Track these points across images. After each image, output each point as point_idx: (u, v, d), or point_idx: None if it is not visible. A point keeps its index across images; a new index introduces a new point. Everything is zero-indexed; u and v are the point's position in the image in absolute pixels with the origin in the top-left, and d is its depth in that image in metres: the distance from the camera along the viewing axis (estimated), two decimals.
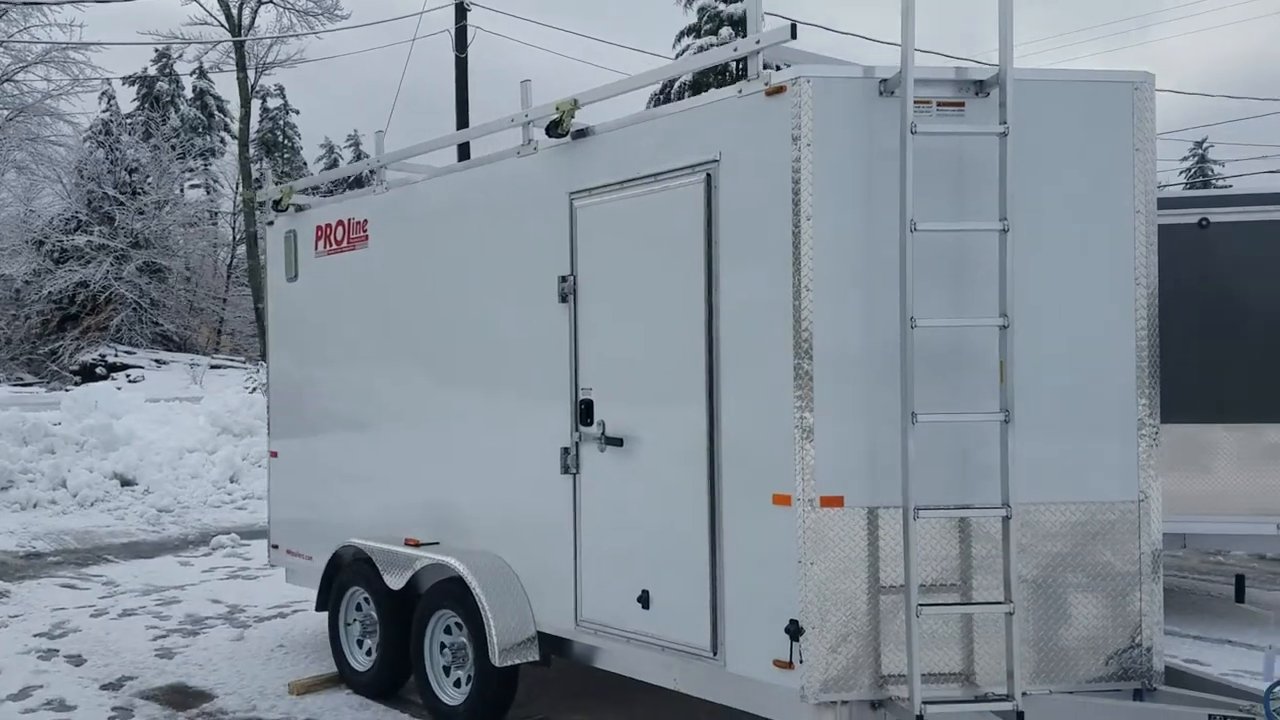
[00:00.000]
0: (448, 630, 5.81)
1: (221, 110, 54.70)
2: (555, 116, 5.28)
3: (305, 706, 6.13)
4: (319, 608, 6.68)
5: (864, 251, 4.32)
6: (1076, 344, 4.43)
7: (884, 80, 4.33)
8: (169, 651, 7.36)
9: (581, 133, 5.30)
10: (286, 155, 59.34)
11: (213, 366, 37.32)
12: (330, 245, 7.08)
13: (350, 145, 63.73)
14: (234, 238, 48.00)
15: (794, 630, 4.31)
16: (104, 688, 6.56)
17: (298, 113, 60.35)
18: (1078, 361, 4.44)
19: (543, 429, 5.45)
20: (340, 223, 7.00)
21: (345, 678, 6.46)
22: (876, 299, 4.32)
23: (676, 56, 34.66)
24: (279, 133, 59.61)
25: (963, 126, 4.34)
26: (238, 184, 42.20)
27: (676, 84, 31.65)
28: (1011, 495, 4.20)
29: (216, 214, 49.90)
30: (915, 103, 4.29)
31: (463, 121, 20.37)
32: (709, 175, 4.64)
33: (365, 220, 6.78)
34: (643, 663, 5.06)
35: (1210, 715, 4.14)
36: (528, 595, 5.56)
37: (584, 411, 5.23)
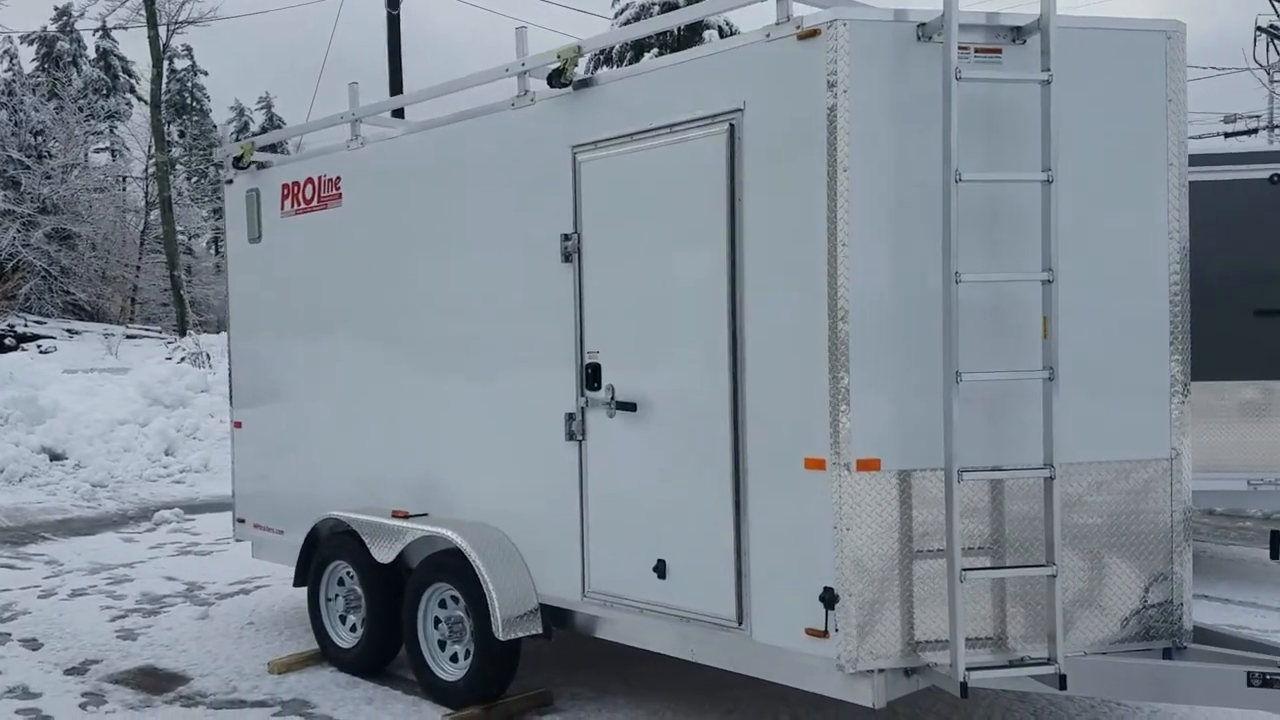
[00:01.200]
0: (442, 604, 5.57)
1: (127, 71, 52.68)
2: (557, 65, 5.02)
3: (290, 686, 5.86)
4: (297, 583, 6.38)
5: (899, 205, 4.16)
6: (1110, 300, 4.33)
7: (921, 25, 4.15)
8: (131, 632, 7.01)
9: (585, 83, 5.05)
10: (196, 118, 57.55)
11: (128, 337, 36.12)
12: (298, 204, 6.73)
13: (261, 107, 62.03)
14: (146, 203, 46.33)
15: (829, 598, 4.16)
16: (68, 673, 6.20)
17: (206, 74, 58.56)
18: (1111, 318, 4.33)
19: (544, 395, 5.22)
20: (310, 180, 6.64)
21: (328, 655, 6.19)
22: (912, 255, 4.17)
23: (615, 16, 34.00)
24: (187, 95, 57.75)
25: (1002, 73, 4.19)
26: (150, 147, 40.65)
27: (617, 48, 30.88)
28: (1055, 455, 4.10)
29: (126, 179, 48.20)
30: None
31: (396, 83, 19.78)
32: (732, 125, 4.42)
33: (338, 178, 6.44)
34: (657, 633, 4.89)
35: (1249, 672, 4.10)
36: (528, 567, 5.34)
37: (590, 375, 5.01)
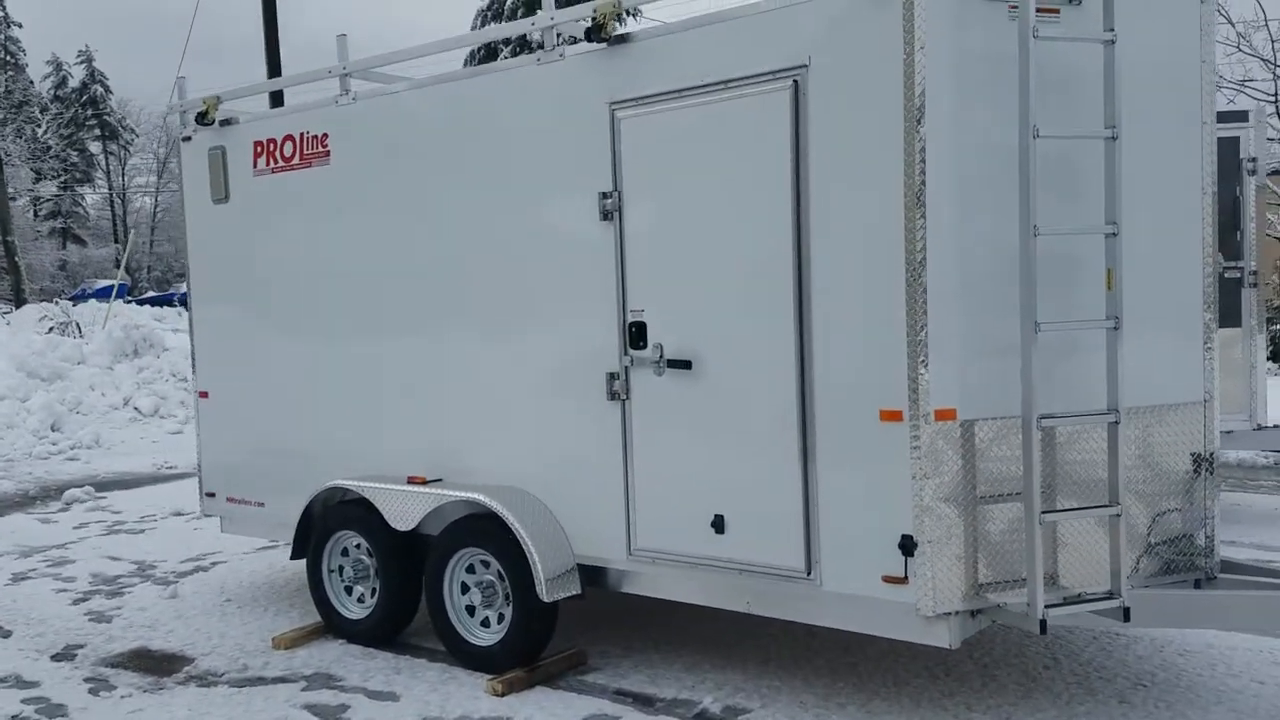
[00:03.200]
0: (469, 570, 5.49)
1: None
2: (596, 20, 4.94)
3: (304, 660, 5.69)
4: (295, 556, 6.18)
5: (968, 161, 4.26)
6: (1157, 252, 4.53)
7: None
8: (102, 615, 6.68)
9: (622, 39, 4.98)
10: (11, 74, 54.11)
11: None
12: (275, 162, 6.44)
13: (82, 62, 58.74)
14: None
15: (908, 545, 4.28)
16: (55, 659, 5.88)
17: (20, 26, 55.11)
18: (1156, 269, 4.54)
19: (581, 355, 5.17)
20: (289, 137, 6.37)
21: (334, 628, 6.03)
22: (981, 210, 4.28)
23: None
24: (1, 50, 54.25)
25: (1067, 32, 4.31)
26: None
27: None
28: (1121, 400, 4.29)
29: None
30: (1010, 7, 4.25)
31: (272, 46, 19.04)
32: (796, 82, 4.45)
33: (324, 134, 6.19)
34: (709, 588, 4.94)
35: None
36: (563, 528, 5.31)
37: (635, 334, 4.99)
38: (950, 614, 4.33)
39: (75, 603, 6.99)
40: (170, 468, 12.68)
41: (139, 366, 16.95)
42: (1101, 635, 5.61)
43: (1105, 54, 4.26)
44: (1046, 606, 4.23)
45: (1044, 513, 4.21)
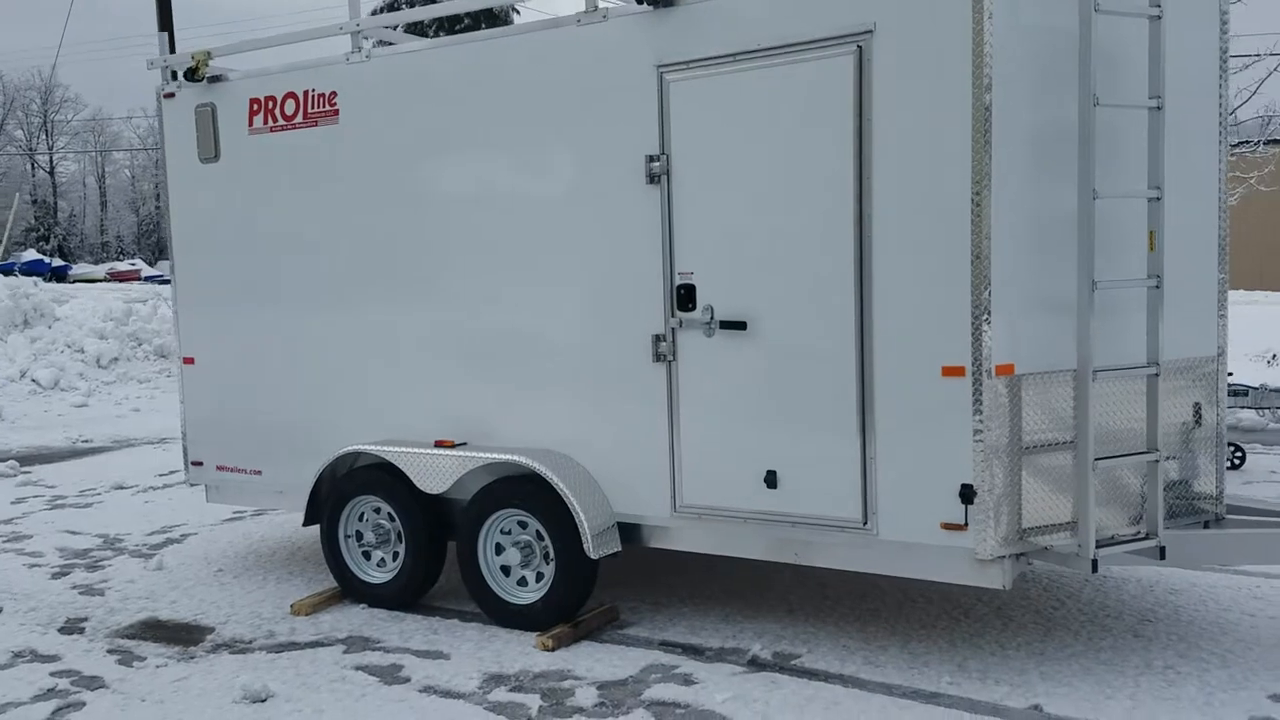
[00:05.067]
0: (504, 531, 5.53)
1: None
2: None
3: (332, 624, 5.65)
4: (307, 522, 6.10)
5: (1030, 128, 4.49)
6: (1185, 218, 4.83)
7: None
8: (91, 589, 6.47)
9: (669, 1, 5.05)
10: None
11: None
12: (274, 121, 6.29)
13: None
14: None
15: (968, 494, 4.52)
16: (63, 632, 5.69)
17: None
18: (1184, 234, 4.85)
19: (624, 318, 5.25)
20: (291, 95, 6.22)
21: (354, 592, 5.98)
22: (1040, 174, 4.52)
23: None
24: None
25: (1115, 7, 4.55)
26: None
27: None
28: (1161, 353, 4.61)
29: None
30: None
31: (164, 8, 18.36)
32: (860, 47, 4.60)
33: (333, 93, 6.07)
34: (754, 541, 5.09)
35: None
36: (600, 487, 5.40)
37: (683, 296, 5.09)
38: (1006, 558, 4.60)
39: (55, 577, 6.74)
40: (86, 441, 12.22)
41: (32, 337, 16.19)
42: (1093, 578, 5.98)
43: (1151, 28, 4.53)
44: (1101, 545, 4.54)
45: (1097, 459, 4.50)
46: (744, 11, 4.88)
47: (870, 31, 4.57)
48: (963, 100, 4.39)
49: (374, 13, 32.72)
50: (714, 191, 5.01)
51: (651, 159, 5.10)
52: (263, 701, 4.68)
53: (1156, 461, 4.63)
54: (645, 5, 5.05)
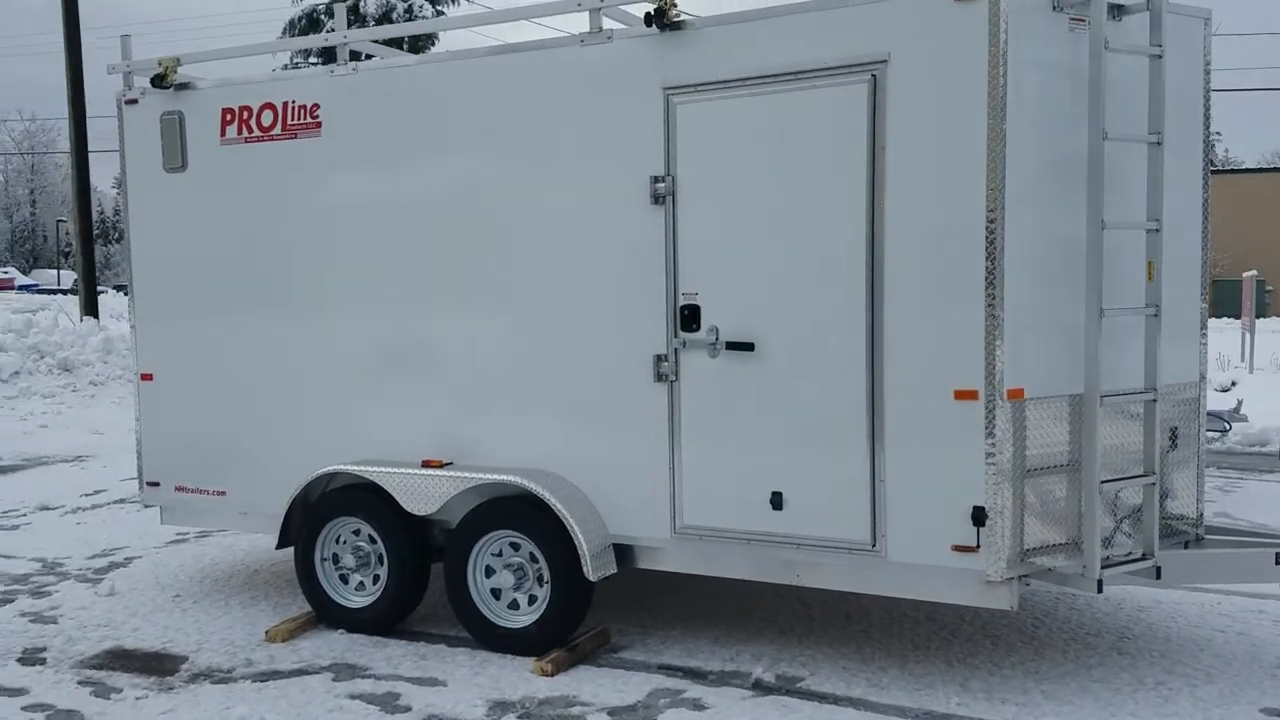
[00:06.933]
0: (495, 553, 5.43)
1: None
2: (660, 6, 4.98)
3: (313, 651, 5.46)
4: (281, 545, 5.89)
5: (1041, 159, 4.61)
6: (1171, 248, 4.99)
7: None
8: (41, 616, 6.15)
9: (678, 25, 5.05)
10: None
11: None
12: (250, 131, 6.10)
13: None
14: None
15: (979, 516, 4.59)
16: (24, 663, 5.40)
17: None
18: (1170, 266, 5.01)
19: (624, 338, 5.22)
20: (268, 106, 6.05)
21: (330, 617, 5.79)
22: (1046, 204, 4.64)
23: None
24: None
25: (1120, 46, 4.70)
26: None
27: None
28: (1159, 379, 4.76)
29: None
30: (1071, 20, 4.61)
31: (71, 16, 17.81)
32: (874, 76, 4.66)
33: (314, 104, 5.92)
34: (758, 562, 5.08)
35: (1276, 553, 5.00)
36: (595, 508, 5.34)
37: (686, 317, 5.08)
38: (1014, 579, 4.68)
39: (1, 605, 6.39)
40: None
41: None
42: (1063, 596, 6.13)
43: (1151, 67, 4.70)
44: (1107, 566, 4.65)
45: (1103, 482, 4.62)
46: (757, 37, 4.91)
47: (885, 61, 4.64)
48: (977, 127, 4.48)
49: (292, 22, 32.28)
50: (722, 213, 5.02)
51: (656, 180, 5.09)
52: None
53: (1154, 484, 4.78)
54: (653, 28, 5.05)
